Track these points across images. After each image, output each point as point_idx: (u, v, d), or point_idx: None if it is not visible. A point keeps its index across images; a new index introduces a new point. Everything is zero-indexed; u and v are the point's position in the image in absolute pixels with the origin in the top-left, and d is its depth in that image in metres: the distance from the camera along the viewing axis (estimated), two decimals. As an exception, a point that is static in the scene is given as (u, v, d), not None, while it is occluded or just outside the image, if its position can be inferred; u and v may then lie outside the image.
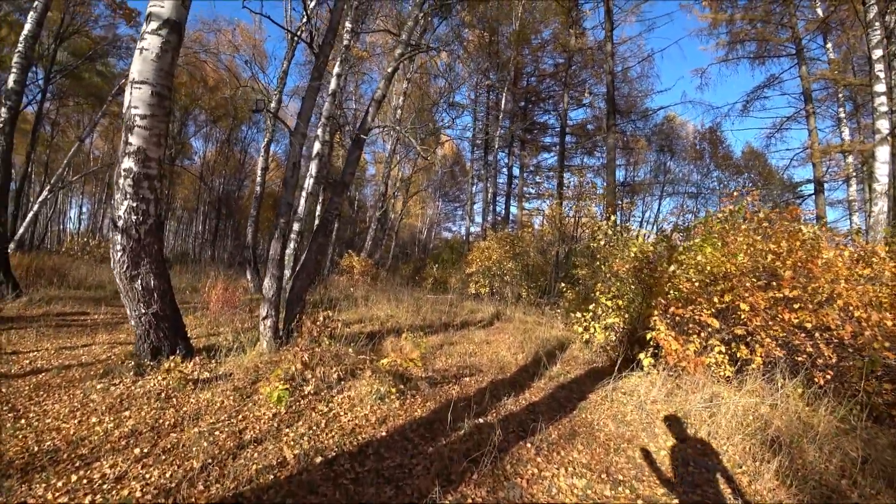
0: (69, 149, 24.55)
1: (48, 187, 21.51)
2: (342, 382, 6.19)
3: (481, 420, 5.46)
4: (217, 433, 4.68)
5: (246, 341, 7.42)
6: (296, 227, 13.51)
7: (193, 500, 3.51)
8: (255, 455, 4.28)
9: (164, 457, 4.16)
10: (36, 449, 4.27)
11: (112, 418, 4.99)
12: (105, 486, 3.65)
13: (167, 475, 3.85)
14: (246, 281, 16.41)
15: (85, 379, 6.06)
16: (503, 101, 27.68)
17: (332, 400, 5.76)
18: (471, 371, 7.59)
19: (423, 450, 4.43)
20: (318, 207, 20.73)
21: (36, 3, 11.71)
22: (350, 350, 6.53)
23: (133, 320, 6.60)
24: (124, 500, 3.45)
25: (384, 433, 4.93)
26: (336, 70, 14.49)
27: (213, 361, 6.87)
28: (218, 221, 37.08)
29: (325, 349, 6.81)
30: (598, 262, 11.34)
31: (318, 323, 7.25)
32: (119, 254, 6.31)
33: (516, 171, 34.34)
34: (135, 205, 6.21)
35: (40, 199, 21.00)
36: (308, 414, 5.31)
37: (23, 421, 4.84)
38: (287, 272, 11.72)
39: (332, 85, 14.56)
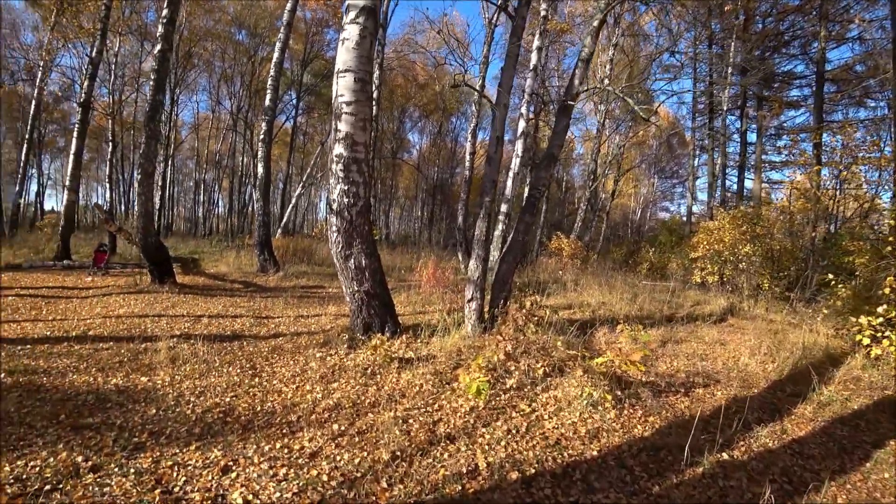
0: (315, 152, 30.09)
1: (301, 184, 26.56)
2: (548, 379, 5.49)
3: (726, 456, 4.08)
4: (411, 421, 4.48)
5: (451, 322, 7.35)
6: (503, 208, 13.30)
7: (375, 497, 3.24)
8: (446, 456, 3.90)
9: (357, 439, 4.09)
10: (259, 408, 4.70)
11: (322, 388, 5.27)
12: (300, 461, 3.70)
13: (355, 462, 3.72)
14: (457, 261, 17.11)
15: (309, 347, 6.68)
16: (731, 54, 22.81)
17: (535, 399, 5.12)
18: (704, 380, 6.06)
19: (647, 488, 3.41)
20: (526, 190, 20.47)
21: (280, 35, 14.11)
22: (559, 342, 5.85)
23: (348, 296, 7.07)
24: (312, 481, 3.37)
25: (595, 453, 4.04)
26: (536, 44, 13.74)
27: (418, 341, 6.94)
28: (433, 207, 40.42)
29: (530, 339, 6.24)
30: (888, 248, 8.14)
31: (524, 310, 6.69)
32: (334, 234, 6.77)
33: (751, 137, 28.14)
34: (346, 188, 6.53)
35: (297, 193, 25.94)
36: (508, 413, 4.77)
37: (256, 380, 5.46)
38: (495, 254, 11.61)
39: (533, 60, 13.86)
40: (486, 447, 4.06)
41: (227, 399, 4.88)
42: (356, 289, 6.89)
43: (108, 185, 22.38)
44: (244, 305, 9.45)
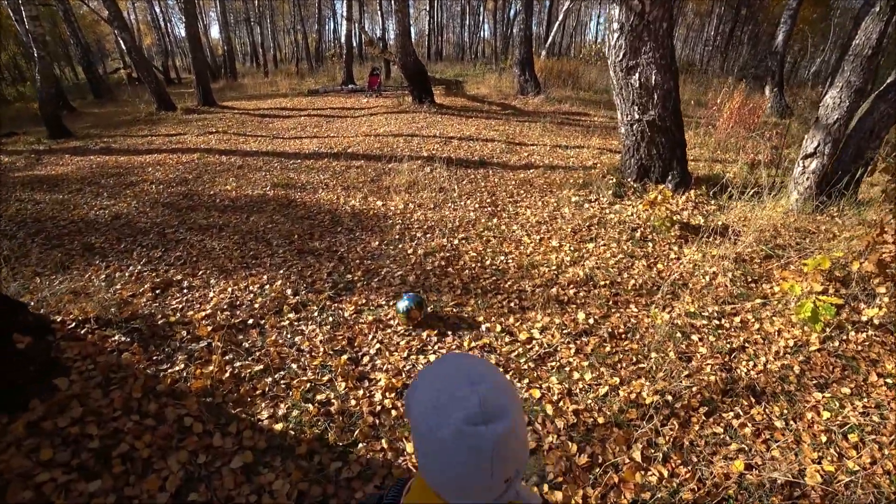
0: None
1: None
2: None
3: None
4: (695, 344, 2.77)
5: (765, 183, 4.75)
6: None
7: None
8: (749, 447, 2.16)
9: (609, 352, 2.66)
10: (487, 261, 3.70)
11: (571, 247, 3.92)
12: (531, 347, 2.52)
13: (609, 377, 2.34)
14: (762, 98, 12.35)
15: (563, 186, 5.28)
16: None
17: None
18: None
19: None
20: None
21: None
22: None
23: (623, 127, 5.13)
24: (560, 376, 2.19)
25: None
26: None
27: (711, 202, 4.76)
28: (734, 26, 30.43)
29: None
30: None
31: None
32: (615, 35, 4.66)
33: None
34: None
35: (563, 8, 22.28)
36: (859, 370, 2.57)
37: (494, 220, 4.44)
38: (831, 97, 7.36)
39: None
40: (822, 450, 2.12)
41: (455, 242, 3.99)
42: (637, 117, 4.86)
43: (380, 14, 23.20)
44: (498, 128, 8.40)
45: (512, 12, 31.75)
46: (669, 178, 5.03)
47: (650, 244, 3.96)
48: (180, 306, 3.07)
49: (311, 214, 4.59)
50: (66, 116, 13.40)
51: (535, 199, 5.00)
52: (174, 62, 27.20)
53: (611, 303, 3.13)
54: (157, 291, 3.25)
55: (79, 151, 8.43)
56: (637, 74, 4.67)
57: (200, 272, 3.53)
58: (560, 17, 24.34)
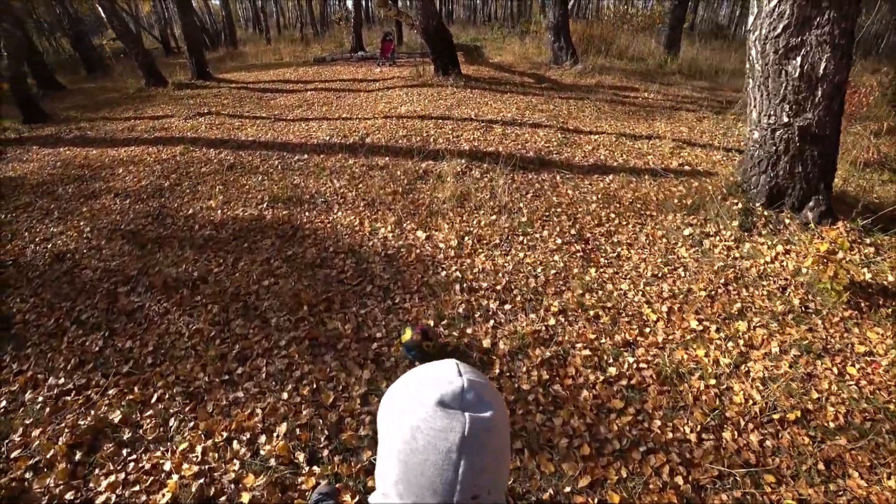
0: None
1: None
2: None
3: None
4: None
5: None
6: None
7: None
8: None
9: None
10: (610, 370, 2.29)
11: (719, 333, 2.51)
12: None
13: None
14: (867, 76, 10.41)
15: (664, 206, 3.79)
16: None
17: None
18: None
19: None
20: None
21: None
22: None
23: (757, 130, 3.58)
24: None
25: None
26: None
27: (866, 240, 3.27)
28: None
29: None
30: None
31: None
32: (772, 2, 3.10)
33: None
34: None
35: None
36: None
37: (593, 271, 3.01)
38: None
39: None
40: None
41: (550, 321, 2.62)
42: (785, 120, 3.34)
43: None
44: (543, 109, 6.79)
45: None
46: (812, 204, 3.51)
47: (818, 320, 2.55)
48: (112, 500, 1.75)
49: (326, 257, 3.19)
50: (53, 96, 12.05)
51: (633, 228, 3.55)
52: (173, 31, 25.36)
53: (820, 464, 1.74)
54: (78, 454, 1.94)
55: (49, 141, 7.16)
56: (799, 59, 3.12)
57: (155, 397, 2.20)
58: None
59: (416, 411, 0.50)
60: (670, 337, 2.52)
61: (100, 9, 10.44)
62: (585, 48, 11.37)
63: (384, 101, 7.59)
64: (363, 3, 19.40)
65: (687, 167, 4.65)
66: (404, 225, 3.54)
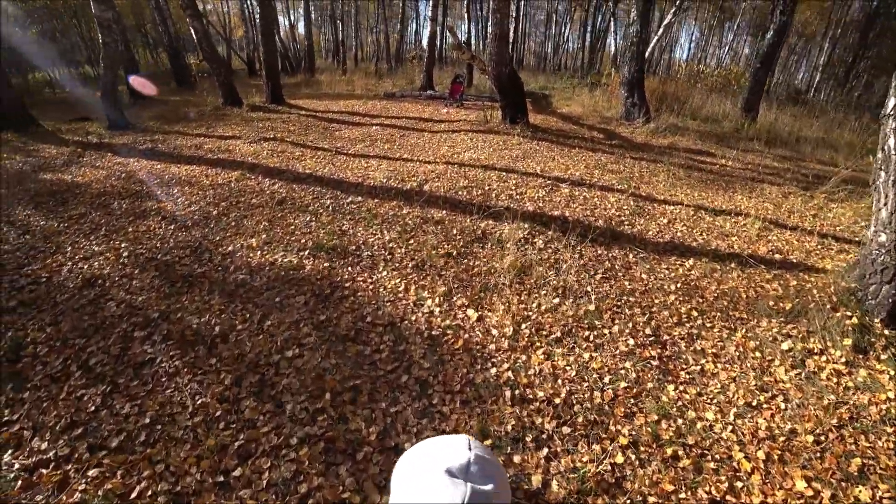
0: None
1: (673, 10, 19.94)
2: None
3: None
4: None
5: None
6: None
7: None
8: None
9: None
10: None
11: (811, 438, 1.87)
12: None
13: None
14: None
15: (755, 307, 3.19)
16: None
17: None
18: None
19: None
20: None
21: None
22: None
23: (884, 233, 3.01)
24: None
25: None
26: None
27: None
28: (858, 52, 25.42)
29: None
30: None
31: None
32: None
33: None
34: None
35: (665, 22, 19.79)
36: None
37: (671, 389, 2.46)
38: None
39: None
40: None
41: (618, 458, 2.11)
42: None
43: (466, 17, 21.65)
44: (613, 169, 6.33)
45: (601, 24, 29.26)
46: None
47: None
48: None
49: (361, 329, 2.81)
50: (140, 104, 12.83)
51: (720, 332, 2.97)
52: (259, 55, 27.03)
53: None
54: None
55: (123, 150, 7.40)
56: None
57: (137, 491, 1.85)
58: (659, 32, 21.69)
59: (426, 475, 0.58)
60: (770, 501, 1.92)
61: (192, 31, 11.04)
62: (657, 105, 10.89)
63: (448, 144, 7.37)
64: (437, 43, 19.91)
65: (778, 255, 4.02)
66: (454, 299, 3.12)
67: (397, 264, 3.53)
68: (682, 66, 24.68)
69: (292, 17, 30.31)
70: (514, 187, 5.32)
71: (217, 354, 2.58)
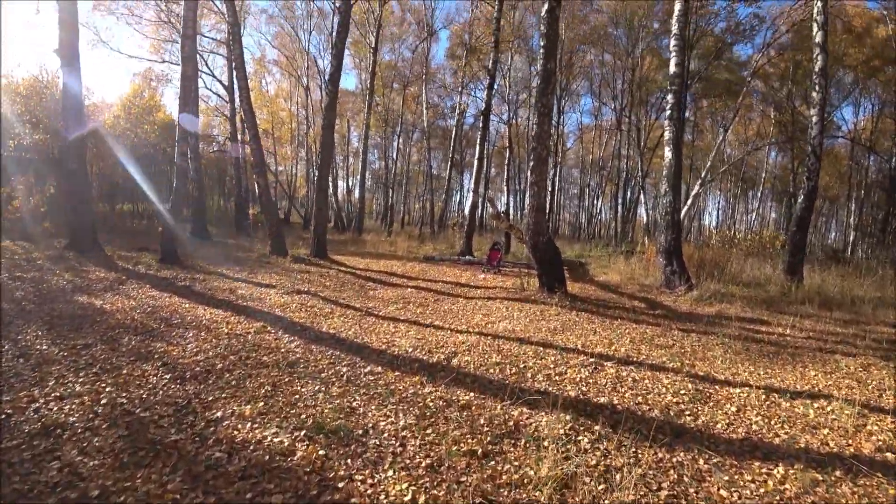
0: (709, 150, 24.07)
1: (699, 183, 21.22)
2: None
3: None
4: None
5: None
6: None
7: None
8: None
9: None
10: None
11: None
12: None
13: None
14: None
15: None
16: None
17: None
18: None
19: None
20: None
21: None
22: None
23: None
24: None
25: None
26: None
27: None
28: (891, 208, 25.42)
29: None
30: None
31: None
32: None
33: None
34: None
35: (693, 193, 20.96)
36: None
37: None
38: None
39: None
40: None
41: None
42: None
43: (505, 190, 23.55)
44: (661, 344, 5.69)
45: (631, 196, 30.90)
46: None
47: None
48: None
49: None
50: (197, 244, 13.65)
51: None
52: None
53: None
54: None
55: (162, 284, 7.49)
56: None
57: None
58: (688, 203, 22.74)
59: None
60: None
61: (256, 185, 12.18)
62: (696, 272, 10.48)
63: (482, 312, 7.03)
64: (478, 211, 21.28)
65: (891, 454, 3.10)
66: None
67: (408, 461, 2.86)
68: (714, 232, 25.34)
69: (350, 182, 33.81)
70: (552, 365, 4.73)
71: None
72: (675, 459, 3.04)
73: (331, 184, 23.91)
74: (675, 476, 2.86)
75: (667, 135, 10.27)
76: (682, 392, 4.18)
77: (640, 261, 13.09)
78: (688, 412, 3.78)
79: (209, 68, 20.81)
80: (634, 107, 25.71)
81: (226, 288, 7.55)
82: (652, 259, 11.82)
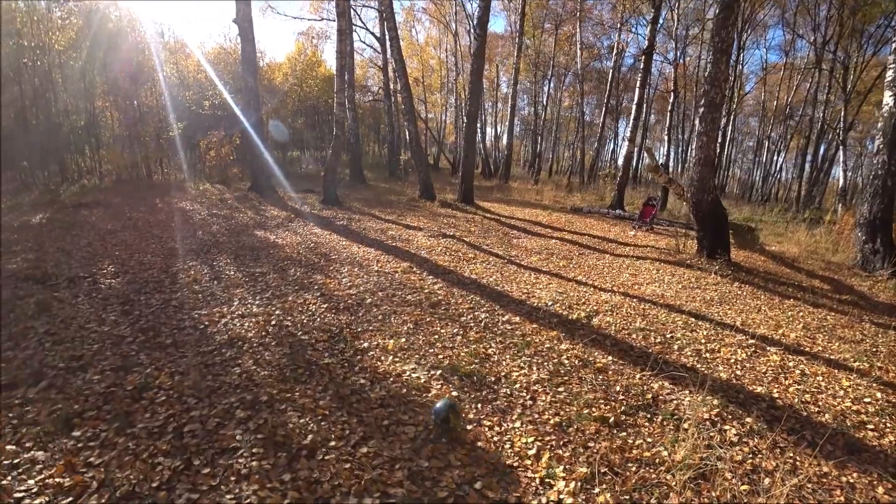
0: None
1: None
2: None
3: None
4: None
5: None
6: None
7: None
8: None
9: None
10: None
11: None
12: None
13: None
14: None
15: None
16: None
17: None
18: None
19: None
20: None
21: None
22: None
23: None
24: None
25: None
26: None
27: None
28: None
29: None
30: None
31: None
32: None
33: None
34: None
35: None
36: None
37: None
38: None
39: None
40: None
41: None
42: None
43: (666, 140, 20.86)
44: (845, 336, 4.62)
45: (825, 153, 25.20)
46: None
47: None
48: None
49: (460, 499, 2.13)
50: (354, 187, 14.99)
51: None
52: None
53: None
54: None
55: (323, 222, 8.36)
56: None
57: None
58: None
59: None
60: None
61: (406, 133, 12.71)
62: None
63: (630, 271, 6.51)
64: (633, 163, 19.44)
65: None
66: (595, 490, 2.24)
67: (536, 416, 2.80)
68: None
69: (498, 129, 33.37)
70: (703, 340, 4.19)
71: (294, 471, 2.17)
72: (844, 479, 2.47)
73: (479, 130, 23.92)
74: (842, 499, 2.33)
75: (890, 74, 7.88)
76: (867, 400, 3.35)
77: (829, 232, 10.64)
78: (871, 426, 3.02)
79: (362, 21, 21.93)
80: (843, 39, 20.13)
81: (377, 228, 8.14)
82: (846, 232, 9.55)
